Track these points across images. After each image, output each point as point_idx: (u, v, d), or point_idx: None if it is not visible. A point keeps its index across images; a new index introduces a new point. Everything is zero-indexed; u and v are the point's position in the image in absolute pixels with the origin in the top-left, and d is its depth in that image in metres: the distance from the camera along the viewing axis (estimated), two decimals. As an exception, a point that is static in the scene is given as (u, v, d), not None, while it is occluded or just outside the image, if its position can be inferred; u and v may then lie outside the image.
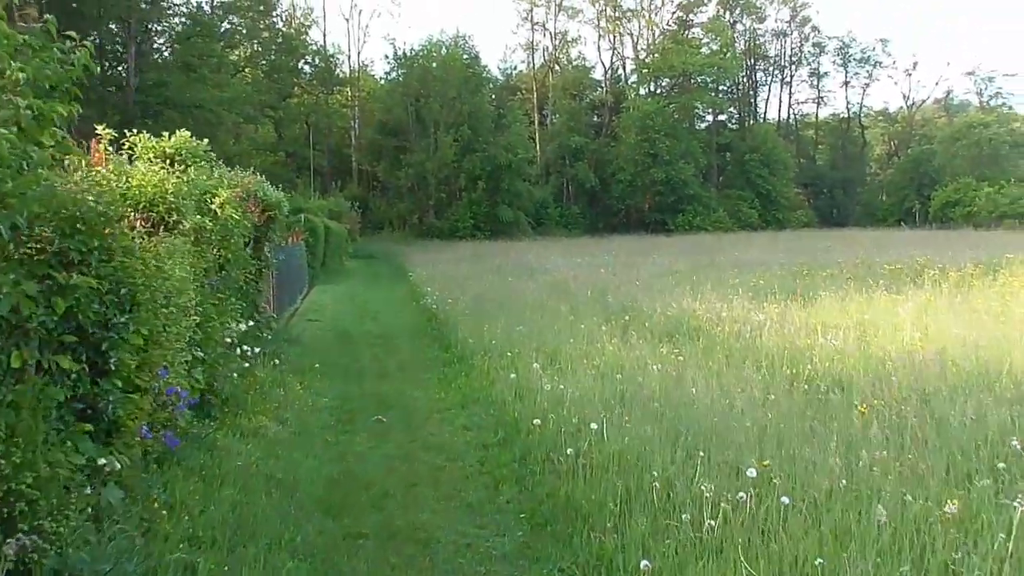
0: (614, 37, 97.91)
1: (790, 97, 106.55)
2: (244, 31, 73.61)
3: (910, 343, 10.85)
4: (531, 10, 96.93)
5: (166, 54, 56.90)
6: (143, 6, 48.68)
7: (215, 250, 10.07)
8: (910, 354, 9.99)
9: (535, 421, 7.82)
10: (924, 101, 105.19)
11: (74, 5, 47.16)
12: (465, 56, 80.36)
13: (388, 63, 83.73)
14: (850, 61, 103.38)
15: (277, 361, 11.96)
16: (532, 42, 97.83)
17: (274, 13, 77.92)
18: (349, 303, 24.58)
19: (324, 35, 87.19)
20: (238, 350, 10.05)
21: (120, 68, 51.16)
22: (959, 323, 12.48)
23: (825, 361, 9.88)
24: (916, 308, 13.53)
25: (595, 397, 8.49)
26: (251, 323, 11.97)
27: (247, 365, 10.20)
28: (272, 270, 14.77)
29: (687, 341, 11.83)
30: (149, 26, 50.75)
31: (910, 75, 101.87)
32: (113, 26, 50.08)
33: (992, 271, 18.37)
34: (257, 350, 11.55)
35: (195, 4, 61.68)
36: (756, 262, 26.67)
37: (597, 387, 8.97)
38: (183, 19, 57.47)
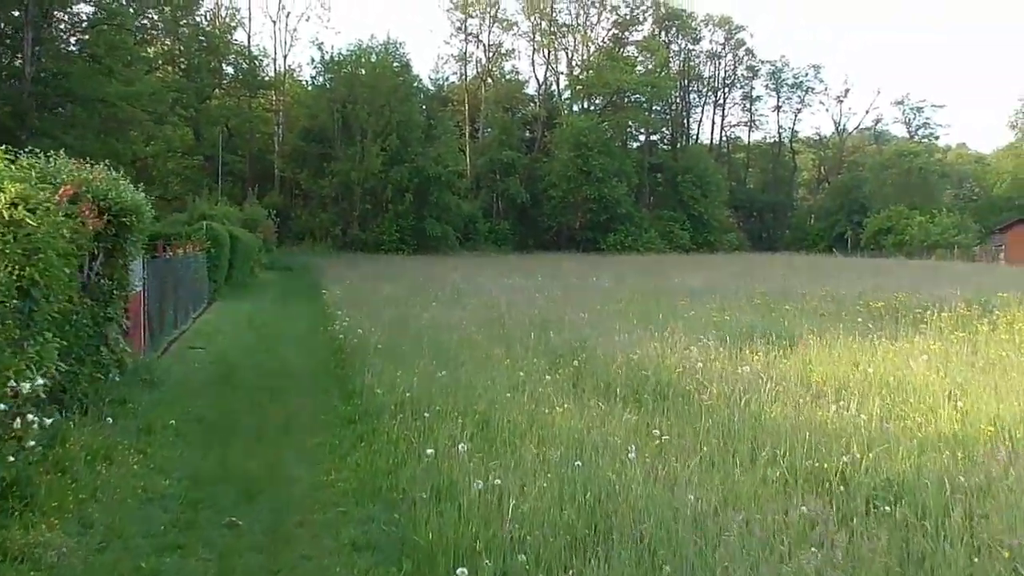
0: (549, 52, 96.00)
1: (723, 119, 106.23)
2: (162, 26, 69.51)
3: (952, 418, 8.35)
4: (465, 20, 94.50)
5: (71, 44, 52.47)
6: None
7: (12, 269, 7.06)
8: (963, 439, 7.48)
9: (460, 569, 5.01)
10: (855, 128, 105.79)
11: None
12: (396, 63, 77.43)
13: (315, 67, 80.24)
14: (782, 86, 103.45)
15: (112, 419, 8.86)
16: (465, 53, 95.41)
17: (197, 11, 73.96)
18: (247, 325, 21.39)
19: (249, 36, 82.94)
20: (32, 414, 6.94)
21: (17, 57, 46.59)
22: (986, 380, 10.06)
23: (859, 447, 7.25)
24: (929, 361, 11.11)
25: (551, 513, 5.70)
26: (75, 366, 8.92)
27: (43, 430, 7.08)
28: (129, 290, 11.65)
29: (660, 405, 9.14)
30: (50, 10, 46.29)
31: (841, 102, 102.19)
32: (16, 13, 45.54)
33: (985, 311, 16.19)
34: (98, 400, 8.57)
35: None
36: (706, 289, 24.27)
37: (551, 488, 6.17)
38: (92, 6, 53.11)
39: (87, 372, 9.75)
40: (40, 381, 7.57)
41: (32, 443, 6.88)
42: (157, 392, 11.19)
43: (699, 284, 26.68)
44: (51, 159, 9.90)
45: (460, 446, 7.25)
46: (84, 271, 10.43)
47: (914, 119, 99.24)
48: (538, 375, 10.89)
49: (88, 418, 8.98)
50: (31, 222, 6.86)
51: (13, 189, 6.77)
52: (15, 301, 6.95)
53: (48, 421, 6.77)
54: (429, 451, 7.58)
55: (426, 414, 8.90)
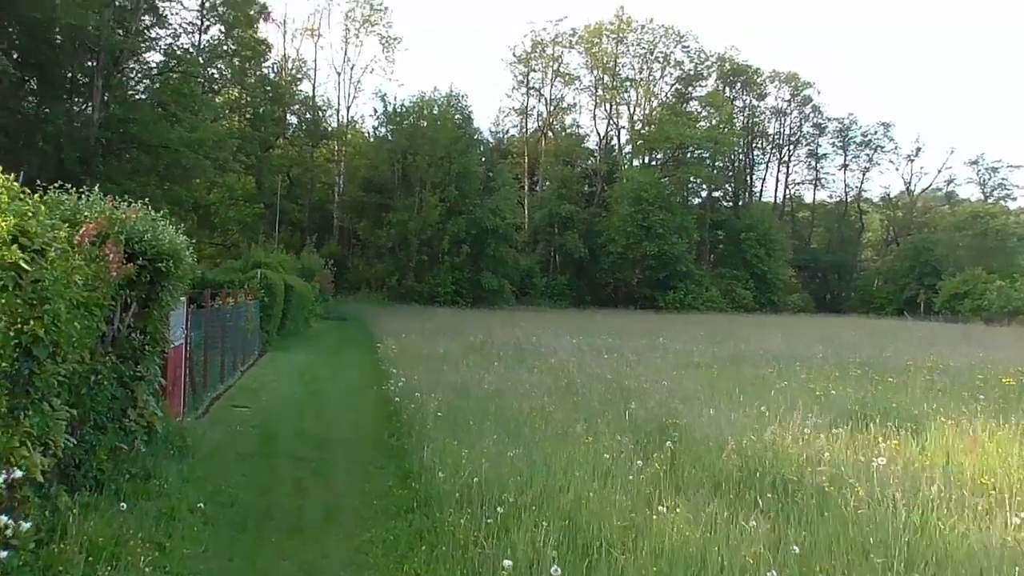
0: (610, 106, 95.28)
1: (787, 177, 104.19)
2: (230, 75, 70.17)
3: None
4: (527, 74, 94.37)
5: (139, 91, 52.76)
6: (117, 35, 44.61)
7: (10, 323, 5.78)
8: None
9: None
10: (926, 189, 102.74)
11: (49, 35, 43.29)
12: (457, 115, 77.11)
13: (377, 118, 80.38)
14: (850, 144, 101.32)
15: (127, 502, 7.47)
16: (526, 107, 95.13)
17: (265, 63, 74.73)
18: (298, 380, 20.09)
19: (314, 87, 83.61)
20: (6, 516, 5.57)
21: (87, 104, 46.71)
22: None
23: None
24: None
25: None
26: (92, 435, 7.60)
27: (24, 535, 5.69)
28: (166, 345, 10.38)
29: (788, 508, 7.47)
30: (121, 59, 46.49)
31: (912, 161, 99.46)
32: (91, 63, 45.62)
33: None
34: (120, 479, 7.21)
35: (178, 42, 58.23)
36: (789, 355, 22.44)
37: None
38: (162, 55, 53.56)
39: (107, 441, 8.42)
40: (39, 459, 6.27)
41: (17, 543, 5.52)
42: (189, 462, 9.80)
43: (778, 349, 24.82)
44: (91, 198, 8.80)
45: (553, 570, 5.68)
46: (112, 323, 9.18)
47: (989, 179, 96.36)
48: (625, 458, 9.30)
49: (103, 497, 7.61)
50: (26, 266, 5.54)
51: (6, 224, 5.48)
52: (4, 365, 5.62)
53: (26, 526, 5.37)
54: (506, 563, 6.05)
55: (499, 508, 7.35)
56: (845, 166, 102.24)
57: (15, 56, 46.14)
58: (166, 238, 9.35)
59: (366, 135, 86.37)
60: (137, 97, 50.74)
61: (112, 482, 8.09)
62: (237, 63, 68.74)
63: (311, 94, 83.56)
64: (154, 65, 53.28)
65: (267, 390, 18.10)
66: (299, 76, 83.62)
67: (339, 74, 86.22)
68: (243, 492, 9.04)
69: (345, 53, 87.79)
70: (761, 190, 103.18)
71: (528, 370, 17.64)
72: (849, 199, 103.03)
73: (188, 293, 13.89)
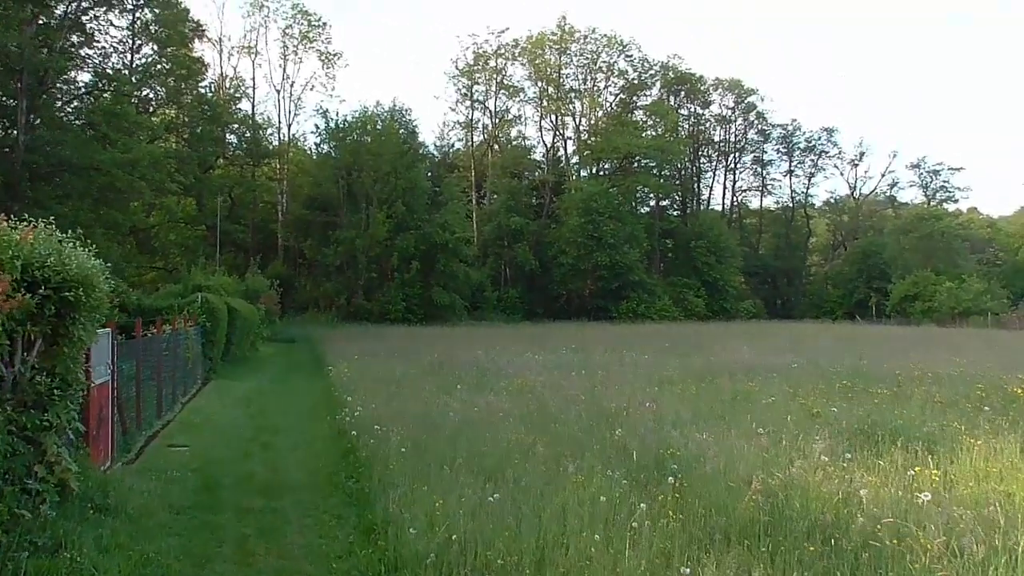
0: (556, 117, 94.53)
1: (734, 184, 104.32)
2: (165, 95, 67.90)
3: None
4: (471, 87, 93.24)
5: (68, 112, 50.42)
6: (40, 54, 42.37)
7: None
8: None
9: None
10: (871, 192, 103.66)
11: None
12: (401, 130, 75.83)
13: (319, 135, 78.61)
14: (795, 150, 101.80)
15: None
16: (471, 119, 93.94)
17: (201, 82, 72.50)
18: (243, 411, 18.54)
19: (253, 105, 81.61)
20: None
21: (10, 128, 44.28)
22: None
23: None
24: None
25: None
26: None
27: None
28: (82, 386, 8.91)
29: (831, 562, 6.23)
30: (46, 79, 44.24)
31: (856, 165, 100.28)
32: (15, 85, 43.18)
33: None
34: None
35: (109, 62, 55.98)
36: (763, 365, 21.42)
37: None
38: (90, 74, 51.36)
39: (3, 509, 6.95)
40: None
41: None
42: (111, 525, 8.28)
43: (749, 359, 23.78)
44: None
45: None
46: (11, 365, 7.71)
47: (931, 182, 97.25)
48: (622, 500, 8.03)
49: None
50: None
51: None
52: None
53: None
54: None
55: (487, 573, 6.03)
56: (791, 172, 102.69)
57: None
58: (74, 263, 7.87)
59: (308, 152, 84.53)
60: (65, 118, 48.38)
61: (9, 560, 6.61)
62: (172, 82, 66.55)
63: (250, 112, 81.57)
64: (83, 85, 51.09)
65: (209, 424, 16.56)
66: (237, 95, 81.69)
67: (278, 92, 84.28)
68: (176, 562, 7.56)
69: (284, 70, 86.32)
70: (709, 198, 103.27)
71: (494, 393, 16.30)
72: (795, 205, 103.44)
73: (114, 323, 12.37)
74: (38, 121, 44.34)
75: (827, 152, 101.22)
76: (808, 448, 9.94)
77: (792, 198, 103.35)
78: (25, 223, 8.09)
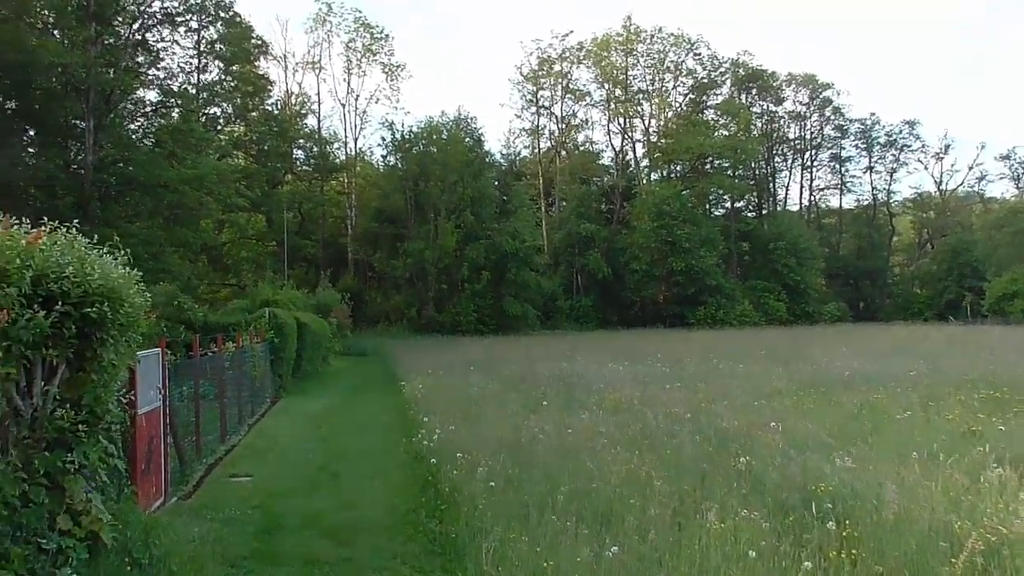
0: (624, 120, 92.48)
1: (811, 183, 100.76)
2: (231, 112, 68.07)
3: None
4: (536, 93, 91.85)
5: (135, 131, 50.32)
6: (105, 74, 42.10)
7: None
8: None
9: None
10: (958, 187, 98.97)
11: (38, 80, 40.89)
12: (467, 139, 74.72)
13: (385, 147, 77.97)
14: (874, 145, 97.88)
15: None
16: (537, 126, 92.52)
17: (268, 100, 72.63)
18: (313, 433, 17.22)
19: (319, 120, 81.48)
20: None
21: (78, 148, 44.04)
22: None
23: None
24: None
25: None
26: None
27: None
28: (119, 417, 7.57)
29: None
30: (112, 98, 44.01)
31: (941, 159, 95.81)
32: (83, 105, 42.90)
33: None
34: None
35: (176, 81, 55.98)
36: (878, 373, 19.37)
37: None
38: (157, 92, 51.22)
39: (12, 572, 5.60)
40: None
41: None
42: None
43: (859, 366, 21.68)
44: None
45: None
46: (28, 397, 6.39)
47: (1023, 174, 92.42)
48: (769, 547, 6.35)
49: None
50: None
51: None
52: None
53: None
54: None
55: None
56: (871, 168, 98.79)
57: (6, 104, 43.93)
58: (96, 272, 6.50)
59: (375, 165, 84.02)
60: (132, 137, 48.21)
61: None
62: (238, 100, 66.65)
63: (316, 127, 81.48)
64: (149, 104, 50.98)
65: (276, 449, 15.24)
66: (303, 111, 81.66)
67: (343, 106, 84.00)
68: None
69: (348, 84, 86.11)
70: (785, 198, 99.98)
71: (587, 411, 14.66)
72: (877, 202, 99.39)
73: (164, 341, 11.09)
74: (105, 140, 44.02)
75: (909, 146, 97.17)
76: (985, 476, 8.08)
77: (873, 195, 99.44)
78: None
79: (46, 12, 41.79)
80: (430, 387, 21.07)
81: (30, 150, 44.95)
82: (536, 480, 9.13)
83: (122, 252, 7.42)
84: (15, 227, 6.43)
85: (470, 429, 12.99)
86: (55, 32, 43.01)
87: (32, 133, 45.66)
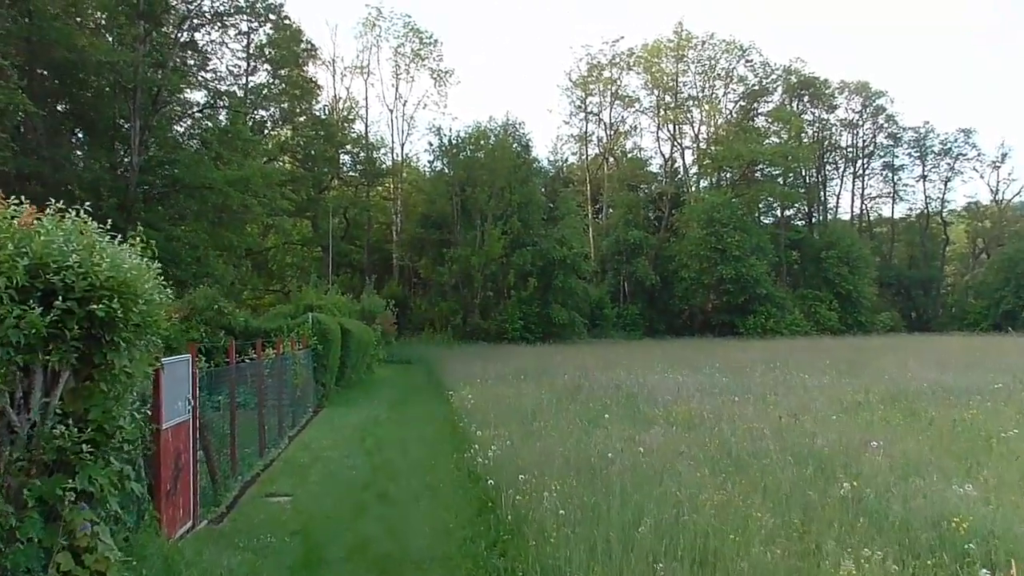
0: (673, 126, 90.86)
1: (862, 191, 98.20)
2: (279, 116, 67.90)
3: None
4: (585, 99, 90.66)
5: (181, 133, 50.01)
6: (153, 74, 41.62)
7: None
8: None
9: None
10: (1015, 196, 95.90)
11: (87, 80, 40.64)
12: (515, 144, 73.63)
13: (432, 152, 77.18)
14: (928, 153, 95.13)
15: None
16: (585, 132, 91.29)
17: (316, 105, 72.39)
18: (358, 446, 16.19)
19: (366, 125, 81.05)
20: None
21: (123, 149, 43.66)
22: None
23: None
24: None
25: None
26: None
27: None
28: (132, 434, 6.55)
29: None
30: (158, 98, 43.61)
31: (997, 168, 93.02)
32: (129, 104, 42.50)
33: None
34: None
35: (223, 82, 55.77)
36: (956, 386, 17.89)
37: None
38: (205, 93, 50.85)
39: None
40: None
41: None
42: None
43: (936, 377, 20.18)
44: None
45: None
46: (24, 410, 5.39)
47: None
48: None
49: None
50: None
51: None
52: None
53: None
54: None
55: None
56: (924, 177, 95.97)
57: (57, 106, 43.78)
58: (105, 263, 5.47)
59: (422, 171, 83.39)
60: (178, 138, 47.86)
61: None
62: (286, 103, 66.43)
63: (364, 132, 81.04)
64: (196, 104, 50.68)
65: (318, 464, 14.22)
66: (351, 117, 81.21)
67: (391, 111, 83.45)
68: None
69: (396, 89, 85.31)
70: (836, 206, 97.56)
71: (655, 424, 13.44)
72: (930, 211, 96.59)
73: (195, 345, 10.09)
74: (151, 141, 43.63)
75: (964, 155, 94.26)
76: None
77: (926, 204, 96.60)
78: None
79: (96, 12, 41.50)
80: (480, 397, 19.95)
81: (78, 152, 44.77)
82: (612, 507, 7.94)
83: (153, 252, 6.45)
84: (12, 208, 5.44)
85: (529, 445, 11.85)
86: (104, 32, 42.80)
87: (80, 135, 45.51)
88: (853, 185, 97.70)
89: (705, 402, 16.08)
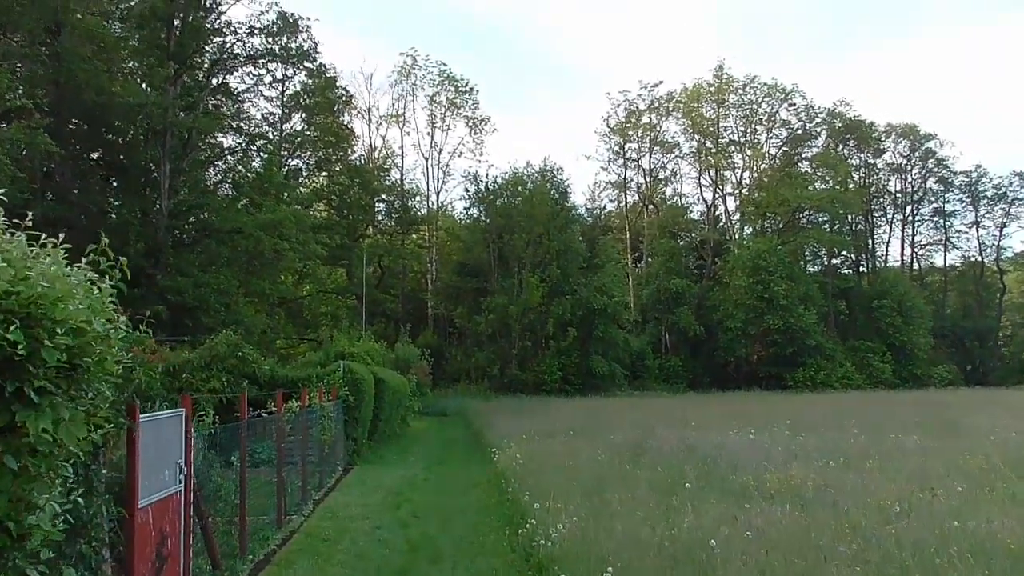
0: (715, 172, 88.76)
1: (912, 238, 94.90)
2: (314, 163, 66.86)
3: None
4: (623, 145, 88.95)
5: (212, 176, 48.79)
6: (181, 116, 40.37)
7: None
8: None
9: None
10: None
11: (118, 124, 39.57)
12: (553, 191, 71.90)
13: (469, 199, 75.65)
14: (981, 198, 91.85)
15: None
16: (624, 178, 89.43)
17: (352, 154, 71.39)
18: (392, 517, 13.95)
19: (402, 174, 79.95)
20: None
21: (152, 193, 42.30)
22: None
23: None
24: None
25: None
26: None
27: None
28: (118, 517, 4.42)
29: None
30: (189, 142, 42.37)
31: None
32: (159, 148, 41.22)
33: None
34: None
35: (257, 127, 54.66)
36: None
37: None
38: (235, 136, 49.65)
39: None
40: None
41: None
42: None
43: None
44: None
45: None
46: None
47: None
48: None
49: None
50: None
51: None
52: None
53: None
54: None
55: None
56: (977, 223, 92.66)
57: (88, 153, 42.74)
58: (34, 275, 3.41)
59: (458, 219, 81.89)
60: (209, 182, 46.56)
61: None
62: (321, 151, 65.38)
63: (399, 180, 79.83)
64: (227, 149, 49.47)
65: (346, 539, 12.01)
66: (386, 166, 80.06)
67: (426, 159, 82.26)
68: None
69: (432, 138, 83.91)
70: (885, 254, 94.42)
71: (749, 498, 11.11)
72: (985, 259, 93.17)
73: (189, 398, 7.98)
74: (180, 185, 42.27)
75: (1020, 199, 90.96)
76: None
77: (980, 251, 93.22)
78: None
79: (126, 54, 40.47)
80: (528, 457, 17.70)
81: (110, 199, 43.53)
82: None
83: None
84: None
85: (603, 524, 9.60)
86: (134, 76, 41.80)
87: (112, 181, 44.34)
88: (903, 232, 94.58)
89: (800, 469, 13.71)
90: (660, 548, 8.22)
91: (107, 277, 4.70)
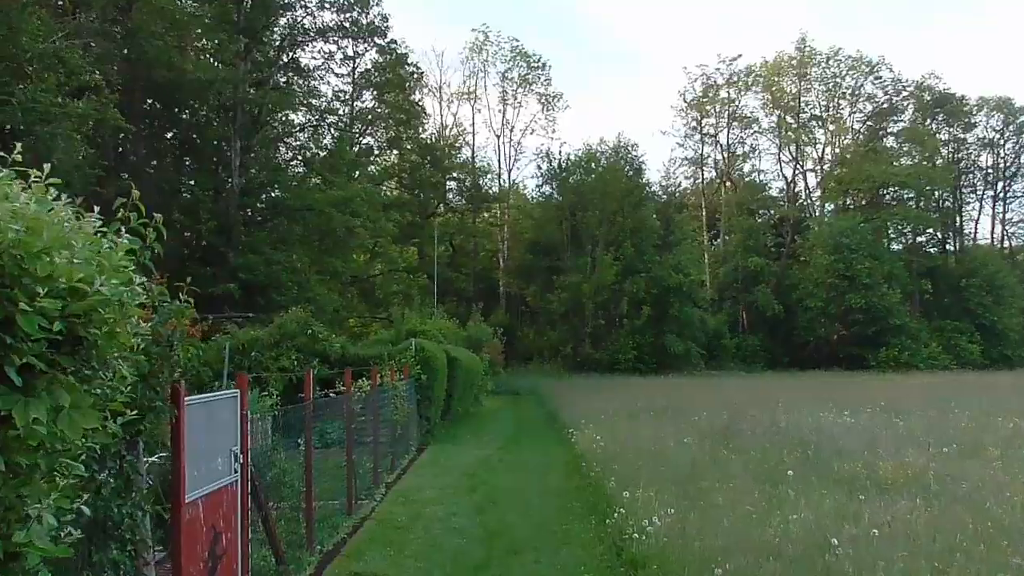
0: (795, 148, 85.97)
1: (1003, 215, 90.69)
2: (385, 141, 66.41)
3: None
4: (700, 120, 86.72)
5: (282, 153, 48.52)
6: (250, 93, 40.04)
7: None
8: None
9: None
10: None
11: (188, 102, 39.56)
12: (627, 168, 70.42)
13: (541, 177, 74.60)
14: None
15: None
16: (701, 155, 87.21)
17: (423, 131, 70.77)
18: (467, 501, 13.16)
19: (473, 151, 79.14)
20: None
21: (224, 171, 42.14)
22: None
23: None
24: None
25: None
26: None
27: None
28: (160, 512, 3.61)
29: None
30: (259, 118, 42.08)
31: None
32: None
33: None
34: None
35: (328, 103, 54.28)
36: None
37: None
38: (305, 112, 49.26)
39: None
40: None
41: None
42: None
43: None
44: None
45: None
46: None
47: None
48: None
49: None
50: None
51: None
52: None
53: None
54: None
55: None
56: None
57: (163, 132, 42.89)
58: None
59: (530, 197, 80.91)
60: (279, 160, 46.32)
61: None
62: (393, 128, 64.87)
63: (470, 158, 79.06)
64: (298, 125, 49.17)
65: (419, 526, 11.24)
66: (457, 144, 79.36)
67: (498, 137, 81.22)
68: None
69: (503, 115, 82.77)
70: (975, 232, 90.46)
71: (861, 488, 10.00)
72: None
73: (246, 377, 7.22)
74: (252, 163, 42.07)
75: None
76: None
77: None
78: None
79: (196, 30, 40.32)
80: (609, 438, 16.79)
81: (183, 179, 43.63)
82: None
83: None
84: None
85: (704, 517, 8.63)
86: (204, 53, 41.67)
87: (186, 160, 44.44)
88: (993, 209, 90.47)
89: (912, 456, 12.51)
90: (772, 546, 7.22)
91: (141, 238, 3.94)
